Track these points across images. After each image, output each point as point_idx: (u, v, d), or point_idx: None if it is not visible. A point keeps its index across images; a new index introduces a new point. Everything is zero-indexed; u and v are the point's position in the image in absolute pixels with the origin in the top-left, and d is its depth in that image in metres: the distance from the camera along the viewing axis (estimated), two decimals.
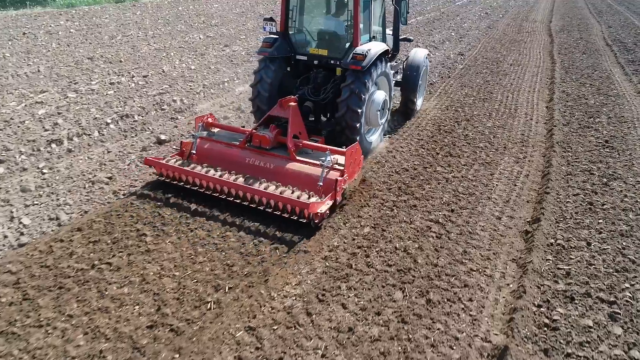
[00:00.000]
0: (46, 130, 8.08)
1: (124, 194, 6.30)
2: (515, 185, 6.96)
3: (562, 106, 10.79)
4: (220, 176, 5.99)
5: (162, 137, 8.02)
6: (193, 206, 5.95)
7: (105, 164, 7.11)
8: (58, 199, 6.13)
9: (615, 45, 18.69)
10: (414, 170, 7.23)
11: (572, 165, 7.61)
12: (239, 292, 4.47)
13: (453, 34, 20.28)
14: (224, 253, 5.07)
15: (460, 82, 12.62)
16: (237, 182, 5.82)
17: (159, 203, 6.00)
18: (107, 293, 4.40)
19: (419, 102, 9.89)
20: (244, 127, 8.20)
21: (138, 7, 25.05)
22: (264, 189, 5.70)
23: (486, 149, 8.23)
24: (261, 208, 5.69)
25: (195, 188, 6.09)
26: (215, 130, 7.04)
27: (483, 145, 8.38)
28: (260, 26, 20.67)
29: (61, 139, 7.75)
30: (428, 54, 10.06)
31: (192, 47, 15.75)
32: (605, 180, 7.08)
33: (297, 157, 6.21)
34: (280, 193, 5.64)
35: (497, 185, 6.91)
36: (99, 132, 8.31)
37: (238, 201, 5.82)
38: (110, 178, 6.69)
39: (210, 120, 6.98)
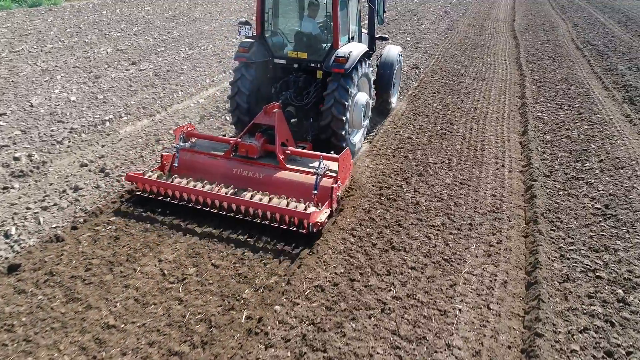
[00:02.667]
0: None
1: None
2: (489, 308, 4.48)
3: (540, 142, 8.47)
4: (211, 189, 5.76)
5: None
6: None
7: None
8: None
9: (587, 49, 16.75)
10: (334, 288, 4.63)
11: (568, 259, 5.20)
12: None
13: (409, 38, 17.91)
14: None
15: (413, 107, 10.15)
16: (230, 195, 5.62)
17: None
18: None
19: (394, 99, 9.83)
20: (224, 135, 8.03)
21: (54, 12, 21.58)
22: (259, 200, 5.53)
23: (444, 229, 5.74)
24: (257, 220, 5.51)
25: (184, 203, 5.80)
26: (194, 140, 6.68)
27: (440, 221, 5.88)
28: (188, 34, 17.76)
29: None
30: (401, 51, 9.83)
31: (90, 65, 12.72)
32: (620, 291, 4.70)
33: (287, 165, 6.04)
34: (277, 204, 5.47)
35: (460, 312, 4.41)
36: None
37: (231, 214, 5.60)
38: None
39: (190, 129, 6.64)
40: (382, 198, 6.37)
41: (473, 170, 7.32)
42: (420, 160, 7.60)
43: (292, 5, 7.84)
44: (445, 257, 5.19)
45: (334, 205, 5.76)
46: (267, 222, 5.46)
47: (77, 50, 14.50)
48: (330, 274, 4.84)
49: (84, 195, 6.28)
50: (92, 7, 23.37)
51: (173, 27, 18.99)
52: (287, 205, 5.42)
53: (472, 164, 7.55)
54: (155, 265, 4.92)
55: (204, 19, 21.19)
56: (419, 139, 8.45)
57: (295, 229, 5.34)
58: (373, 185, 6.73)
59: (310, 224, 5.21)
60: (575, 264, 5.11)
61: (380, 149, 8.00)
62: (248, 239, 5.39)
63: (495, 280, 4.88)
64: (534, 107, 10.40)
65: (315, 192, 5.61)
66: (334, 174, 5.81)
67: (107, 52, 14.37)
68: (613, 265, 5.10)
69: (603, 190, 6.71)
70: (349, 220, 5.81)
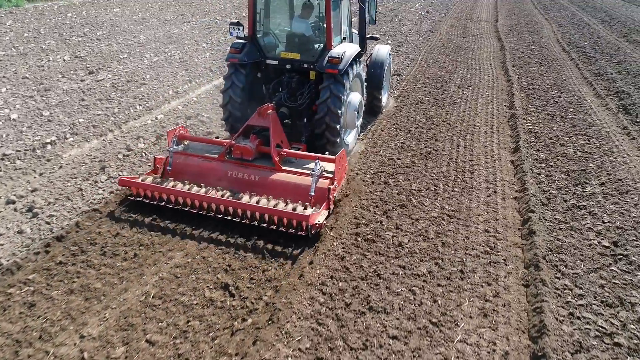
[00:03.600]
0: None
1: None
2: None
3: (534, 162, 7.67)
4: (206, 192, 5.70)
5: None
6: None
7: None
8: None
9: (573, 51, 16.12)
10: None
11: (579, 319, 4.37)
12: None
13: (390, 41, 17.06)
14: None
15: (394, 122, 9.29)
16: (226, 198, 5.55)
17: None
18: None
19: (384, 98, 9.73)
20: (218, 137, 7.90)
21: (14, 15, 20.16)
22: (256, 202, 5.48)
23: (431, 279, 4.87)
24: (254, 223, 5.41)
25: (179, 207, 5.68)
26: (186, 142, 6.63)
27: (426, 269, 5.01)
28: (156, 38, 16.63)
29: None
30: (391, 50, 9.90)
31: (42, 76, 11.54)
32: None
33: (283, 167, 6.02)
34: (274, 206, 5.41)
35: None
36: None
37: (228, 218, 5.49)
38: None
39: (182, 132, 6.54)
40: (359, 239, 5.46)
41: (462, 199, 6.47)
42: (403, 187, 6.72)
43: (284, 5, 7.76)
44: (434, 320, 4.31)
45: (331, 207, 5.75)
46: (264, 225, 5.38)
47: (31, 57, 13.29)
48: (292, 350, 3.91)
49: (2, 245, 5.22)
50: (57, 9, 22.02)
51: (140, 30, 17.81)
52: (284, 207, 5.37)
53: (460, 191, 6.70)
54: (75, 345, 3.93)
55: (174, 21, 20.03)
56: (400, 160, 7.58)
57: (293, 231, 5.29)
58: (348, 222, 5.82)
59: (310, 225, 5.17)
60: (588, 326, 4.28)
61: (357, 174, 7.11)
62: (195, 303, 4.44)
63: (494, 351, 4.02)
64: (524, 118, 9.63)
65: (312, 193, 5.57)
66: (330, 175, 5.76)
67: (63, 60, 13.19)
68: (632, 325, 4.28)
69: (609, 222, 5.91)
70: (318, 271, 4.88)
